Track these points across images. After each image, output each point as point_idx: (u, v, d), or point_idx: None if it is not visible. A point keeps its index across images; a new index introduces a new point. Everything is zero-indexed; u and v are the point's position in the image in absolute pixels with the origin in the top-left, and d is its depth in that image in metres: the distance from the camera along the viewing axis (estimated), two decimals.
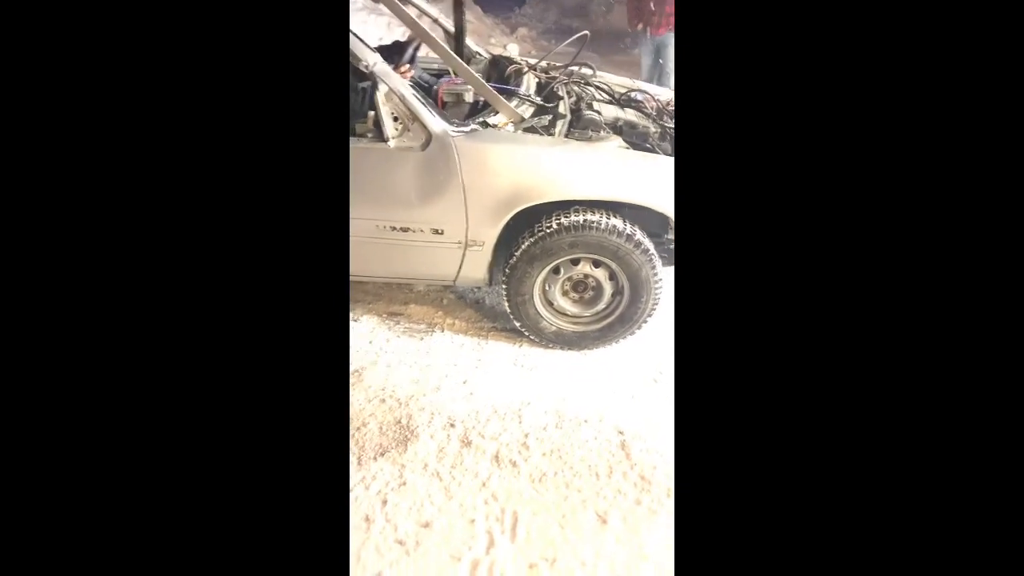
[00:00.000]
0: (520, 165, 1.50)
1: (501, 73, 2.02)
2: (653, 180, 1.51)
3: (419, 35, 1.68)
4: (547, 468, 1.37)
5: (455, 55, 1.68)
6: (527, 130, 1.60)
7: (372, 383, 1.61)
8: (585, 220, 1.51)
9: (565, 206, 1.54)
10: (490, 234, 1.55)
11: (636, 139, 1.69)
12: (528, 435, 1.46)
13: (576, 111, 1.78)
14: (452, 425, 1.48)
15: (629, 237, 1.52)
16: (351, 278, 1.74)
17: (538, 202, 1.51)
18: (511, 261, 1.58)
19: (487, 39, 5.73)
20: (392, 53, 1.93)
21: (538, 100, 1.78)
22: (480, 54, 2.24)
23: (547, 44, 5.65)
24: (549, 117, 1.71)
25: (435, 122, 1.48)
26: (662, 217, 1.55)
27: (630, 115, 1.87)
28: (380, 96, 1.44)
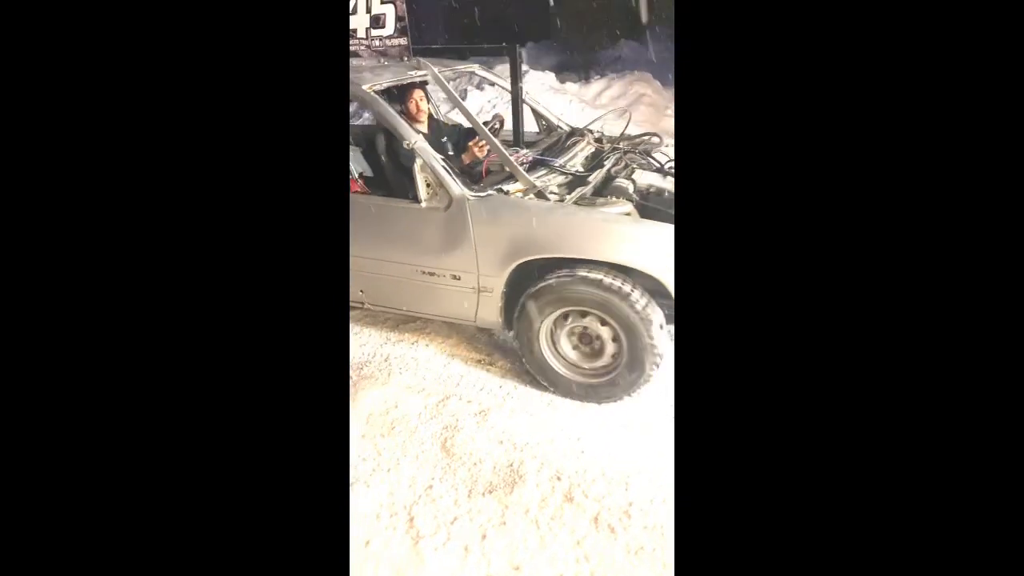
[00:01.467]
0: (516, 226, 1.70)
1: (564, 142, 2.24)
2: (633, 242, 1.61)
3: (463, 112, 1.98)
4: (646, 542, 1.33)
5: (486, 129, 1.95)
6: (538, 195, 1.77)
7: (495, 424, 1.74)
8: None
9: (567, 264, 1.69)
10: (497, 283, 1.76)
11: (660, 205, 1.80)
12: (632, 504, 1.43)
13: (610, 179, 1.92)
14: (559, 478, 1.52)
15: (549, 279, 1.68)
16: (393, 311, 2.07)
17: (531, 258, 1.70)
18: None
19: (663, 110, 5.88)
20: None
21: (571, 170, 1.96)
22: (560, 127, 2.46)
23: None
24: (562, 183, 1.90)
25: (456, 188, 1.74)
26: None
27: (668, 183, 1.96)
28: (416, 167, 1.76)
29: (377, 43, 2.04)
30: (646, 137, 2.27)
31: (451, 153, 2.20)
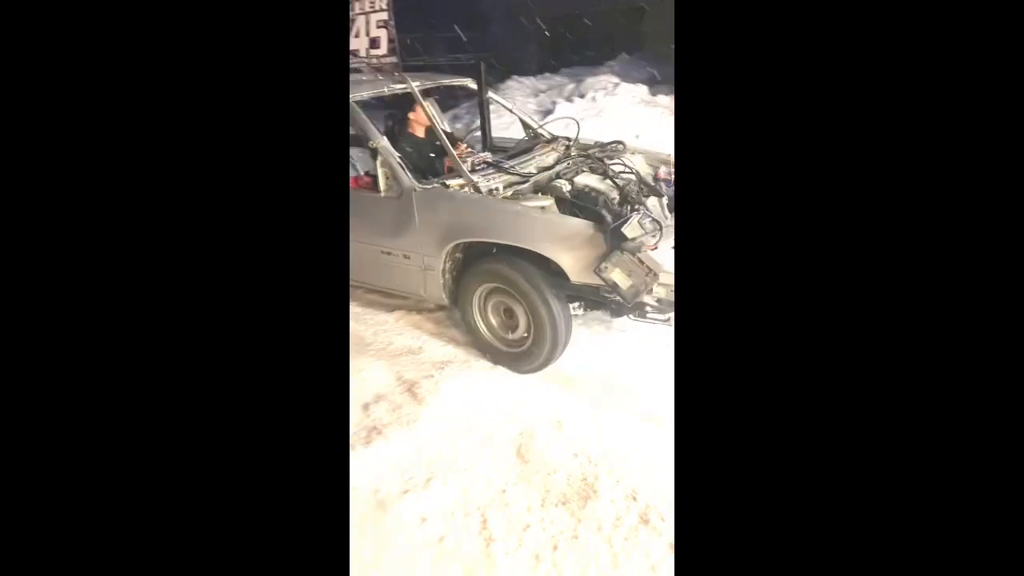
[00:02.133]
0: (448, 213, 2.00)
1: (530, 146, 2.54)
2: (536, 231, 1.83)
3: (434, 120, 2.31)
4: None
5: (444, 135, 2.26)
6: (474, 189, 2.02)
7: (571, 435, 1.73)
8: None
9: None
10: (437, 262, 2.04)
11: (587, 203, 2.00)
12: None
13: (555, 179, 2.17)
14: (634, 498, 1.48)
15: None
16: (365, 285, 2.38)
17: (460, 240, 1.97)
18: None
19: None
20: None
21: (520, 171, 2.19)
22: (544, 134, 2.69)
23: None
24: (510, 182, 2.12)
25: (407, 180, 2.06)
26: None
27: (603, 185, 2.15)
28: (378, 162, 2.09)
29: (374, 61, 2.33)
30: (612, 144, 2.46)
31: (433, 155, 2.49)
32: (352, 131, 2.21)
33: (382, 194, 2.11)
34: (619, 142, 2.47)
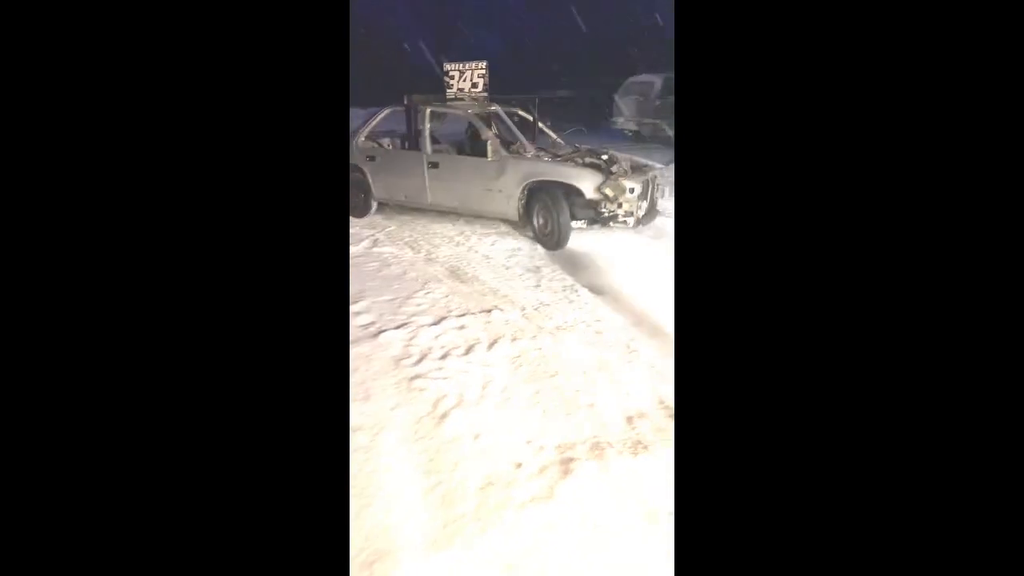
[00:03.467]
0: (521, 167, 4.11)
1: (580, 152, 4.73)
2: (569, 172, 3.95)
3: (512, 129, 4.90)
4: None
5: (524, 138, 4.67)
6: (533, 157, 4.22)
7: None
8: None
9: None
10: (516, 192, 4.11)
11: (590, 166, 4.07)
12: None
13: (572, 156, 4.38)
14: None
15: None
16: (471, 213, 4.54)
17: (528, 181, 4.04)
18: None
19: None
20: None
21: (555, 152, 4.52)
22: (559, 143, 5.00)
23: None
24: (551, 156, 4.38)
25: (503, 152, 4.20)
26: (574, 188, 3.91)
27: (594, 161, 4.22)
28: (488, 143, 4.29)
29: (474, 94, 4.51)
30: (606, 150, 4.65)
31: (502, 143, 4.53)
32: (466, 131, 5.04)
33: (488, 159, 4.24)
34: (608, 151, 4.55)
